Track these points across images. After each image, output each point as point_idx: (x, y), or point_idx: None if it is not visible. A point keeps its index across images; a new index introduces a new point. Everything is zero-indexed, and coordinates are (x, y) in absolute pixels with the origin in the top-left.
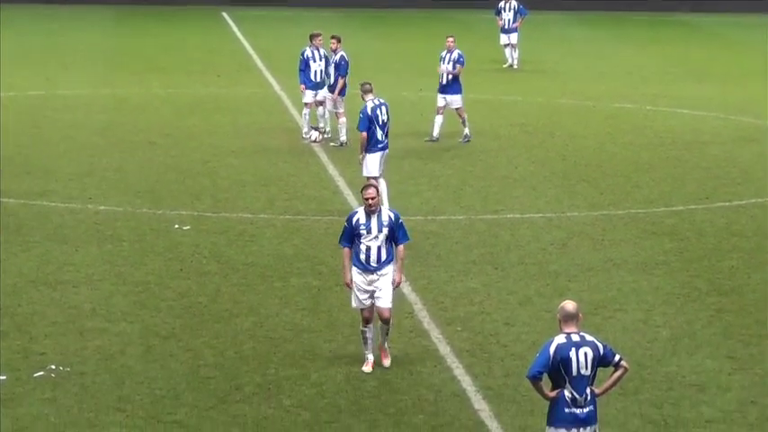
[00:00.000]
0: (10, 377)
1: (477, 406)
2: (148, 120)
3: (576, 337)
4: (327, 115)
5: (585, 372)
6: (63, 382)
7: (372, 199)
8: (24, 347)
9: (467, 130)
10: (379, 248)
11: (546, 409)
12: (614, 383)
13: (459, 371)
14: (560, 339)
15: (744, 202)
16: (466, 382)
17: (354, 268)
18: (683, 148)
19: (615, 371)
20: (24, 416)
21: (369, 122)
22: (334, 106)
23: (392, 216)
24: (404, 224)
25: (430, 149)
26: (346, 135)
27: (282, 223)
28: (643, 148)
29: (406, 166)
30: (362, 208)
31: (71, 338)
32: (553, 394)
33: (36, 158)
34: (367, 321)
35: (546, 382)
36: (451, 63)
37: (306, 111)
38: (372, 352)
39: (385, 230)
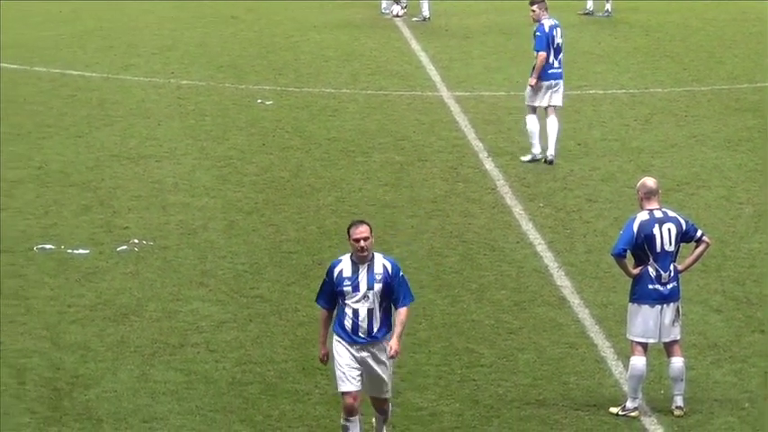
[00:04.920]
0: (93, 251)
1: (559, 282)
2: None
3: (658, 214)
4: None
5: (669, 248)
6: (146, 256)
7: (365, 240)
8: (107, 222)
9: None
10: (370, 313)
11: (628, 286)
12: (697, 259)
13: (541, 247)
14: (643, 216)
15: None
16: (548, 258)
17: (336, 337)
18: (767, 23)
19: (697, 246)
20: (107, 290)
21: (546, 42)
22: None
23: (388, 267)
24: (406, 278)
25: (514, 25)
26: (429, 10)
27: (365, 98)
28: (727, 23)
29: (490, 41)
30: (348, 256)
31: (154, 213)
32: (637, 271)
33: (118, 32)
34: (350, 412)
35: (629, 259)
36: None
37: None
38: None
39: (378, 287)
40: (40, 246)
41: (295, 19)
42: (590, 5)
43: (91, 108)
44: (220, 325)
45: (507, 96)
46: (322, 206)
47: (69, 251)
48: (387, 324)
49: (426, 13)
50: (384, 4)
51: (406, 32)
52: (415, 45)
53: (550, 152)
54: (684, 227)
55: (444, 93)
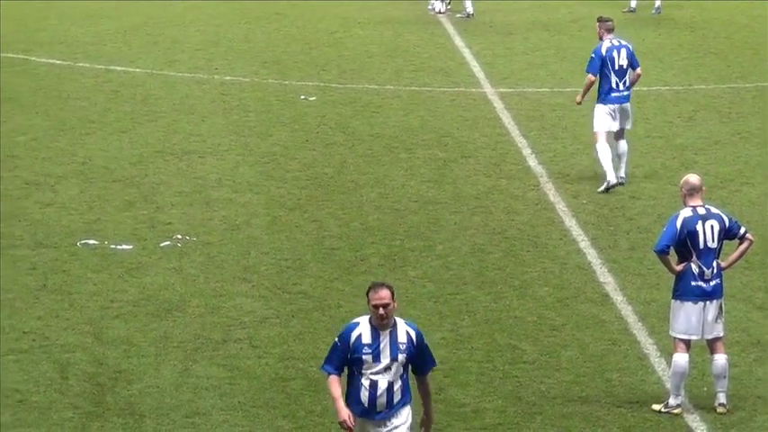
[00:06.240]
0: (136, 246)
1: (602, 279)
2: None
3: (701, 210)
4: None
5: (712, 245)
6: (189, 252)
7: (384, 308)
8: (151, 217)
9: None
10: (390, 385)
11: (671, 283)
12: (740, 256)
13: (584, 243)
14: (686, 213)
15: None
16: (591, 254)
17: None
18: None
19: (741, 243)
20: (150, 285)
21: (600, 64)
22: None
23: (413, 335)
24: (428, 343)
25: (558, 22)
26: (473, 6)
27: (408, 95)
28: None
29: (533, 37)
30: (367, 318)
31: (197, 208)
32: (680, 267)
33: (162, 28)
34: None
35: (672, 256)
36: None
37: None
38: None
39: (402, 358)
40: (84, 241)
41: (339, 15)
42: (633, 4)
43: (134, 104)
44: (263, 321)
45: (551, 93)
46: (365, 202)
47: (113, 247)
48: (406, 393)
49: (470, 9)
50: (431, 3)
51: (450, 29)
52: (458, 41)
53: (622, 174)
54: (728, 224)
55: (488, 89)
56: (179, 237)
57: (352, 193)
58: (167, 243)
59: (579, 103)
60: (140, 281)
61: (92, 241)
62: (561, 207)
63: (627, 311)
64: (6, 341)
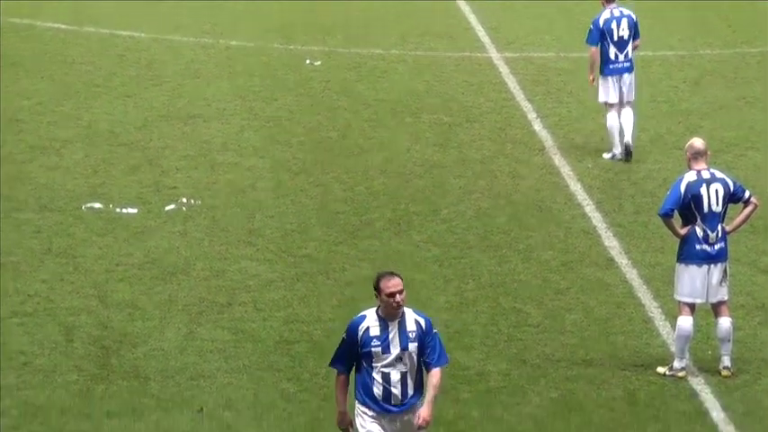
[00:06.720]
0: (142, 210)
1: (607, 243)
2: None
3: (706, 174)
4: None
5: (716, 208)
6: (194, 216)
7: (400, 294)
8: (156, 181)
9: None
10: (404, 377)
11: (676, 247)
12: (745, 220)
13: (589, 208)
14: (691, 176)
15: None
16: (596, 218)
17: (361, 408)
18: None
19: (745, 207)
20: (155, 248)
21: (599, 36)
22: None
23: (422, 323)
24: (439, 335)
25: None
26: None
27: (413, 59)
28: None
29: (539, 2)
30: (374, 310)
31: (202, 172)
32: (684, 231)
33: None
34: None
35: (677, 220)
36: None
37: None
38: None
39: (413, 347)
40: (89, 205)
41: None
42: None
43: (140, 68)
44: (268, 284)
45: (556, 57)
46: (370, 167)
47: (118, 210)
48: (421, 387)
49: None
50: None
51: None
52: (463, 6)
53: (627, 139)
54: (732, 188)
55: (493, 54)
56: (184, 200)
57: (356, 158)
58: (172, 207)
59: (593, 82)
60: (145, 244)
61: (97, 205)
62: (566, 171)
63: (632, 275)
64: (11, 304)
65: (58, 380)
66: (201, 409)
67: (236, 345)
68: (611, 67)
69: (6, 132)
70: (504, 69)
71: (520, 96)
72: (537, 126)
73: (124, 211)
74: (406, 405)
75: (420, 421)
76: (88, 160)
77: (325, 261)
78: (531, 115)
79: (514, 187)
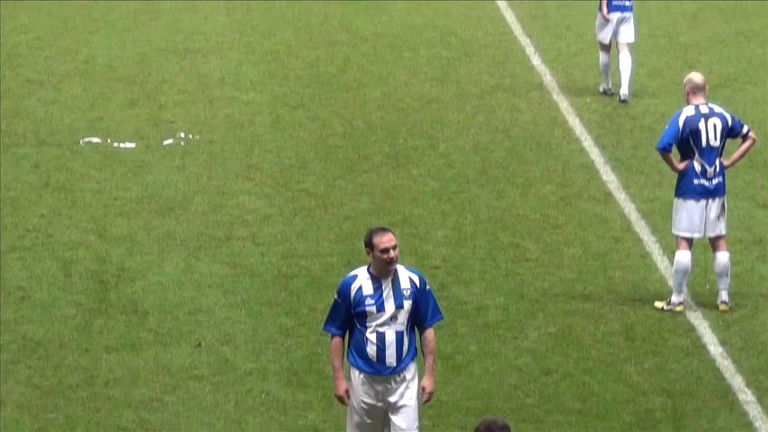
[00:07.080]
0: (140, 145)
1: (605, 177)
2: None
3: (704, 109)
4: None
5: (714, 143)
6: (192, 150)
7: (394, 249)
8: (154, 115)
9: None
10: (398, 336)
11: (674, 181)
12: (743, 155)
13: (587, 142)
14: (689, 111)
15: None
16: (594, 153)
17: (355, 371)
18: None
19: (744, 142)
20: (153, 183)
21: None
22: None
23: (416, 280)
24: (433, 292)
25: None
26: None
27: None
28: None
29: None
30: (365, 269)
31: (200, 107)
32: (683, 165)
33: None
34: None
35: (675, 154)
36: None
37: None
38: None
39: (408, 305)
40: (87, 139)
41: None
42: None
43: (137, 2)
44: (266, 218)
45: None
46: (368, 101)
47: (116, 145)
48: (414, 348)
49: None
50: None
51: None
52: None
53: (624, 91)
54: (730, 122)
55: None
56: (182, 135)
57: (355, 92)
58: (170, 141)
59: (605, 18)
60: (143, 179)
61: (95, 139)
62: (564, 106)
63: (630, 209)
64: (9, 239)
65: (57, 314)
66: (200, 343)
67: (235, 279)
68: (613, 3)
69: (4, 67)
70: (502, 3)
71: (518, 30)
72: (535, 60)
73: (122, 145)
74: (400, 365)
75: (425, 396)
76: (86, 95)
77: (324, 195)
78: (530, 49)
79: (513, 121)
